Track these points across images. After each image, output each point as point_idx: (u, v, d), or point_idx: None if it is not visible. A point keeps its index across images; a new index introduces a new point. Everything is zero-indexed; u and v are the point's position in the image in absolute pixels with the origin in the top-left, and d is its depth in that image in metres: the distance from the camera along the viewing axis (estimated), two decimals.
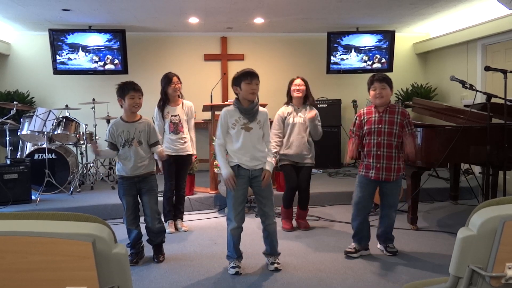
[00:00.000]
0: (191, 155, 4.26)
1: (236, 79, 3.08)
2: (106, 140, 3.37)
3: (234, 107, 3.10)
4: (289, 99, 4.22)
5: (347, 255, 3.45)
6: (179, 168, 4.20)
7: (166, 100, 4.12)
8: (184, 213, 4.67)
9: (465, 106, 5.08)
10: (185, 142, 4.16)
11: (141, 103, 3.35)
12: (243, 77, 3.04)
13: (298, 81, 4.16)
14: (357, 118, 3.46)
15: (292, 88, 4.15)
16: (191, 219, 4.70)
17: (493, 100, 3.82)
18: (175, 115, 4.10)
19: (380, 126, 3.32)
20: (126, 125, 3.31)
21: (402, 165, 3.39)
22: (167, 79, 4.08)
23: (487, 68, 3.84)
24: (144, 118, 3.42)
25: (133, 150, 3.29)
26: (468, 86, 3.82)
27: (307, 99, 4.19)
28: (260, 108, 3.14)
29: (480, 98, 5.00)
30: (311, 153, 4.19)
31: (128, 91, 3.27)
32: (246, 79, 3.02)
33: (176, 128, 4.09)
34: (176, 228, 4.29)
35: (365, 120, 3.40)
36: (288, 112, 4.16)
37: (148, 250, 3.56)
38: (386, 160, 3.31)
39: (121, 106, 3.35)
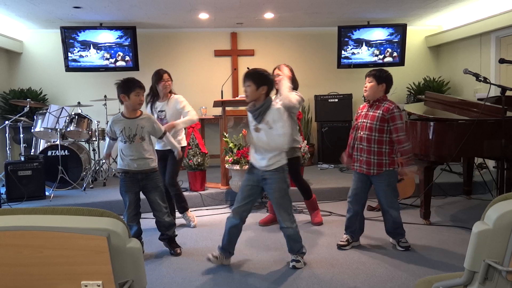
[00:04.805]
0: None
1: None
2: (107, 135, 3.43)
3: (248, 110, 3.12)
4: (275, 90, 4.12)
5: (340, 247, 3.51)
6: (166, 164, 4.06)
7: (155, 96, 4.08)
8: (196, 209, 4.70)
9: (478, 99, 5.01)
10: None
11: (143, 100, 3.40)
12: None
13: (276, 71, 4.02)
14: (356, 111, 3.63)
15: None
16: (203, 215, 4.72)
17: (508, 93, 3.76)
18: (162, 111, 4.05)
19: (364, 120, 3.42)
20: (127, 122, 3.30)
21: (386, 161, 3.34)
22: (158, 76, 4.03)
23: (502, 61, 3.78)
24: (145, 114, 3.42)
25: (135, 146, 3.29)
26: (482, 79, 3.76)
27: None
28: (274, 107, 3.00)
29: (494, 91, 4.93)
30: (296, 142, 4.01)
31: (134, 88, 3.26)
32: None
33: (161, 124, 4.03)
34: (185, 220, 4.31)
35: (358, 114, 3.54)
36: None
37: (160, 246, 3.60)
38: (366, 154, 3.38)
39: (122, 103, 3.33)
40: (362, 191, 3.49)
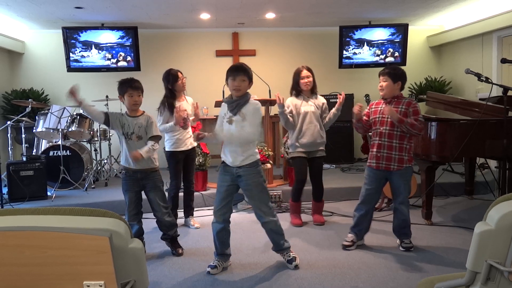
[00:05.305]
0: (195, 148, 4.25)
1: (226, 74, 3.03)
2: (104, 112, 3.34)
3: (225, 101, 3.11)
4: (298, 90, 4.18)
5: (345, 248, 3.50)
6: (187, 164, 4.15)
7: (173, 97, 4.02)
8: (197, 209, 4.69)
9: (480, 99, 5.00)
10: (190, 136, 4.12)
11: (141, 101, 3.33)
12: (229, 73, 3.01)
13: (305, 72, 4.13)
14: (368, 107, 3.56)
15: (301, 81, 4.13)
16: (204, 215, 4.72)
17: (510, 93, 3.76)
18: (184, 110, 4.06)
19: (384, 116, 3.36)
20: (128, 119, 3.32)
21: (406, 157, 3.35)
22: (174, 76, 4.01)
23: (504, 61, 3.77)
24: (146, 114, 3.41)
25: (134, 144, 3.29)
26: (484, 79, 3.76)
27: (314, 88, 4.20)
28: (252, 101, 3.03)
29: (496, 91, 4.92)
30: (324, 141, 4.19)
31: (126, 88, 3.25)
32: (231, 76, 2.99)
33: (185, 123, 4.05)
34: (188, 225, 4.30)
35: (373, 109, 3.47)
36: (297, 103, 4.15)
37: (162, 246, 3.60)
38: (387, 149, 3.34)
39: (123, 103, 3.36)
40: (376, 191, 3.47)
